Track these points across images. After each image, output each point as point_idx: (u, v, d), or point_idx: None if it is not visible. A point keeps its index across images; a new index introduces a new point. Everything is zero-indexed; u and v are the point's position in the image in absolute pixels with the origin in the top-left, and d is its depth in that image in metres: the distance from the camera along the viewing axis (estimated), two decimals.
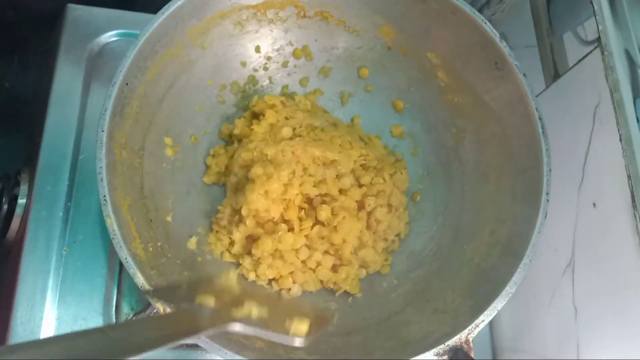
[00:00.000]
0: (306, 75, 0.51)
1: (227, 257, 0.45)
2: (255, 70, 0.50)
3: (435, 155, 0.50)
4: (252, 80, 0.50)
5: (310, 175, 0.44)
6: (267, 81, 0.51)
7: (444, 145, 0.49)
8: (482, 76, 0.44)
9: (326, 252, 0.44)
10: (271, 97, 0.47)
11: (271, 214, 0.43)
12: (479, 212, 0.45)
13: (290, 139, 0.45)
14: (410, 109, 0.51)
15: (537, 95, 0.41)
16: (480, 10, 0.49)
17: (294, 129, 0.46)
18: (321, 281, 0.45)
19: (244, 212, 0.43)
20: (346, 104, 0.52)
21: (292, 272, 0.44)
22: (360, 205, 0.45)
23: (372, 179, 0.46)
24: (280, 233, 0.42)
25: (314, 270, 0.44)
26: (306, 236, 0.43)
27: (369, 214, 0.45)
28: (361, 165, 0.46)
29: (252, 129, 0.46)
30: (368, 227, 0.45)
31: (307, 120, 0.47)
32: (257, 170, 0.43)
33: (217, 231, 0.45)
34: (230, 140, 0.48)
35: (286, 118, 0.46)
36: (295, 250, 0.43)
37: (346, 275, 0.44)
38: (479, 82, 0.45)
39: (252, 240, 0.44)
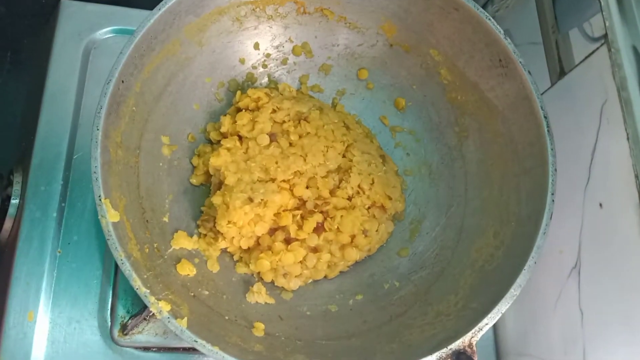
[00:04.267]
0: (306, 73, 0.51)
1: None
2: (254, 67, 0.50)
3: (437, 155, 0.50)
4: (251, 77, 0.50)
5: (301, 175, 0.45)
6: (266, 79, 0.51)
7: (446, 144, 0.49)
8: (486, 74, 0.44)
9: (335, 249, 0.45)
10: (255, 91, 0.47)
11: (256, 233, 0.43)
12: (482, 212, 0.45)
13: (270, 142, 0.45)
14: (413, 107, 0.51)
15: (542, 93, 0.41)
16: (484, 7, 0.49)
17: (283, 123, 0.46)
18: (329, 266, 0.45)
19: (220, 237, 0.43)
20: (347, 102, 0.52)
21: (296, 276, 0.44)
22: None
23: (354, 158, 0.47)
24: (280, 255, 0.43)
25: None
26: (309, 240, 0.44)
27: (359, 191, 0.46)
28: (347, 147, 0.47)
29: (236, 124, 0.46)
30: (369, 207, 0.46)
31: (295, 107, 0.47)
32: (216, 199, 0.43)
33: (204, 235, 0.44)
34: (217, 139, 0.48)
35: (274, 110, 0.46)
36: (299, 262, 0.44)
37: (354, 253, 0.45)
38: (482, 79, 0.45)
39: (248, 248, 0.45)
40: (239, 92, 0.48)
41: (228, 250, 0.45)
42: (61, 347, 0.44)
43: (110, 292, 0.46)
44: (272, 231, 0.44)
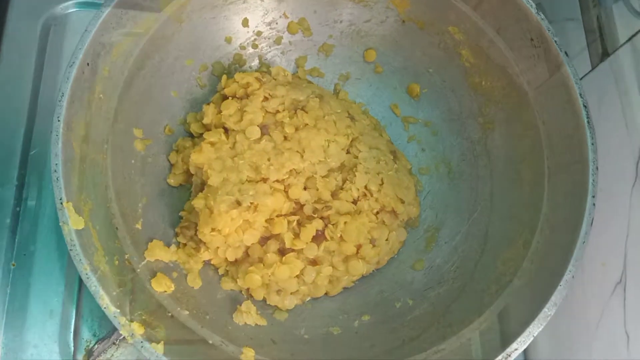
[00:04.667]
0: (303, 54, 0.52)
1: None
2: (243, 47, 0.50)
3: (458, 150, 0.50)
4: (239, 59, 0.50)
5: (297, 174, 0.45)
6: (257, 61, 0.51)
7: (469, 138, 0.50)
8: (515, 55, 0.45)
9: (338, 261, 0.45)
10: (243, 75, 0.47)
11: (244, 243, 0.43)
12: (510, 218, 0.45)
13: (261, 136, 0.45)
14: (429, 95, 0.51)
15: (581, 78, 0.42)
16: None
17: (276, 113, 0.46)
18: (330, 281, 0.45)
19: (202, 247, 0.43)
20: (351, 89, 0.53)
21: (292, 293, 0.45)
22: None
23: (359, 155, 0.47)
24: (272, 268, 0.43)
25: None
26: (307, 251, 0.44)
27: (366, 193, 0.46)
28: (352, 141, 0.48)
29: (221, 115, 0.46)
30: (378, 212, 0.46)
31: (291, 94, 0.47)
32: (198, 203, 0.43)
33: (184, 244, 0.44)
34: (198, 132, 0.48)
35: (266, 98, 0.46)
36: (296, 277, 0.44)
37: (360, 266, 0.45)
38: (510, 62, 0.45)
39: (235, 260, 0.45)
40: (224, 77, 0.48)
41: (212, 262, 0.45)
42: None
43: (74, 311, 0.46)
44: (264, 240, 0.44)
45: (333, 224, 0.45)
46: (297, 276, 0.44)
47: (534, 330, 0.37)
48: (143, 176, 0.45)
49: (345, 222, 0.44)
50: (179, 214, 0.46)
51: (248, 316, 0.43)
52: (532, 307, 0.38)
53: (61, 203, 0.36)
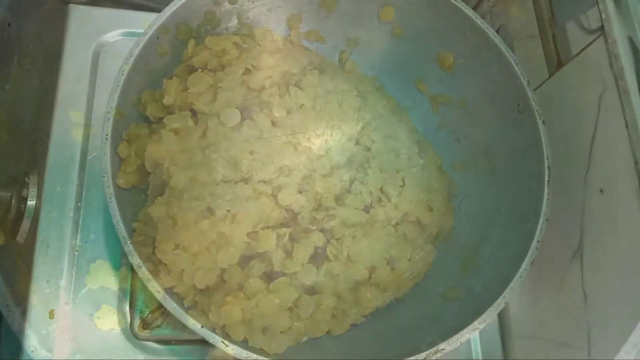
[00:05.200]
0: (297, 12, 0.51)
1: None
2: (217, 3, 0.49)
3: (505, 139, 0.49)
4: (211, 19, 0.49)
5: (290, 172, 0.45)
6: (235, 20, 0.50)
7: (520, 123, 0.48)
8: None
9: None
10: (217, 39, 0.47)
11: (218, 264, 0.43)
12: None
13: (242, 121, 0.45)
14: (465, 66, 0.51)
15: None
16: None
17: (262, 90, 0.47)
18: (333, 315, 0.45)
19: (162, 270, 0.43)
20: (362, 58, 0.52)
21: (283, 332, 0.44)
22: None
23: (372, 146, 0.48)
24: (257, 298, 0.43)
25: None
26: (302, 275, 0.44)
27: (381, 198, 0.46)
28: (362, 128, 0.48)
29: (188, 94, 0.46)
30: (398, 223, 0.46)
31: (281, 65, 0.47)
32: (157, 210, 0.43)
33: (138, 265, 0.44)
34: (157, 117, 0.48)
35: (247, 70, 0.46)
36: (287, 310, 0.43)
37: (373, 296, 0.45)
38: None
39: (207, 287, 0.44)
40: (192, 42, 0.48)
41: (175, 290, 0.44)
42: None
43: None
44: (245, 261, 0.44)
45: (337, 239, 0.44)
46: (290, 309, 0.43)
47: None
48: (83, 175, 0.46)
49: (353, 237, 0.44)
50: (132, 226, 0.45)
51: None
52: (607, 350, 0.38)
53: None
